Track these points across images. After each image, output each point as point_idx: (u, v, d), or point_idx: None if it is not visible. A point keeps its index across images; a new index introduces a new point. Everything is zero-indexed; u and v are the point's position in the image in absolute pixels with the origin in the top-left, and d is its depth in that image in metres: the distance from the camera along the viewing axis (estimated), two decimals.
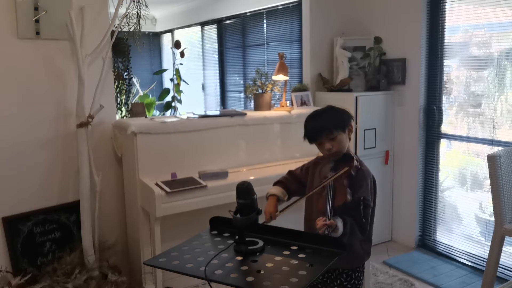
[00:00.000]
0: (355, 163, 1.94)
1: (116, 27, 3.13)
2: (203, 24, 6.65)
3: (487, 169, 2.73)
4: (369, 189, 1.95)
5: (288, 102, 3.69)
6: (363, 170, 1.97)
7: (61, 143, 2.95)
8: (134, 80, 6.19)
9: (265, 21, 5.26)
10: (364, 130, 3.69)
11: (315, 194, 1.95)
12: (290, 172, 2.19)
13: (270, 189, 2.11)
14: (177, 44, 4.68)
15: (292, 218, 2.24)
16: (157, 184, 2.78)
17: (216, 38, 6.35)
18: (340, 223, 1.79)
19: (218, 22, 6.21)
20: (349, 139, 2.02)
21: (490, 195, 2.76)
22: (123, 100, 3.89)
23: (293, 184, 2.13)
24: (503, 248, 2.74)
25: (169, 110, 5.20)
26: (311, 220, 1.94)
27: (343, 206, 1.84)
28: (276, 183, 2.15)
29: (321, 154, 2.08)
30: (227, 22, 6.07)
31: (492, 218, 2.75)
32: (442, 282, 3.23)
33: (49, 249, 2.92)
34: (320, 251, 1.45)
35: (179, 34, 7.41)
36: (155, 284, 2.88)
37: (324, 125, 1.96)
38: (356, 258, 2.00)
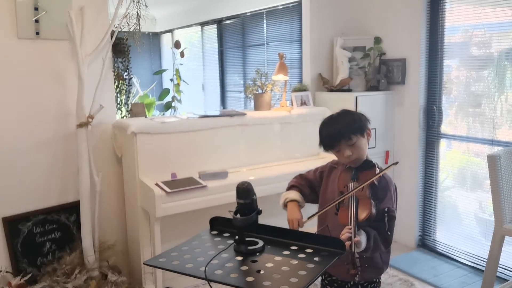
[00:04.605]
0: (377, 170, 1.82)
1: (116, 27, 3.13)
2: (203, 24, 6.65)
3: (487, 169, 2.73)
4: (393, 198, 1.83)
5: (288, 102, 3.69)
6: (386, 178, 1.85)
7: (61, 143, 2.95)
8: (134, 80, 6.19)
9: (265, 21, 5.26)
10: None
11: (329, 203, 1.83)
12: (301, 176, 2.03)
13: (288, 194, 1.93)
14: (177, 44, 4.68)
15: None
16: (157, 184, 2.78)
17: (216, 38, 6.35)
18: (363, 238, 1.67)
19: (218, 22, 6.21)
20: (368, 143, 1.89)
21: (490, 195, 2.76)
22: (123, 100, 3.90)
23: (307, 189, 1.98)
24: (503, 248, 2.75)
25: (169, 110, 5.20)
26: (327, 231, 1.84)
27: (367, 219, 1.73)
28: (291, 188, 1.99)
29: (334, 158, 1.95)
30: (227, 22, 6.07)
31: (492, 218, 2.75)
32: (442, 282, 3.23)
33: (49, 249, 2.92)
34: (320, 251, 1.44)
35: (179, 34, 7.40)
36: (155, 284, 2.88)
37: (342, 130, 1.81)
38: (375, 270, 1.89)
